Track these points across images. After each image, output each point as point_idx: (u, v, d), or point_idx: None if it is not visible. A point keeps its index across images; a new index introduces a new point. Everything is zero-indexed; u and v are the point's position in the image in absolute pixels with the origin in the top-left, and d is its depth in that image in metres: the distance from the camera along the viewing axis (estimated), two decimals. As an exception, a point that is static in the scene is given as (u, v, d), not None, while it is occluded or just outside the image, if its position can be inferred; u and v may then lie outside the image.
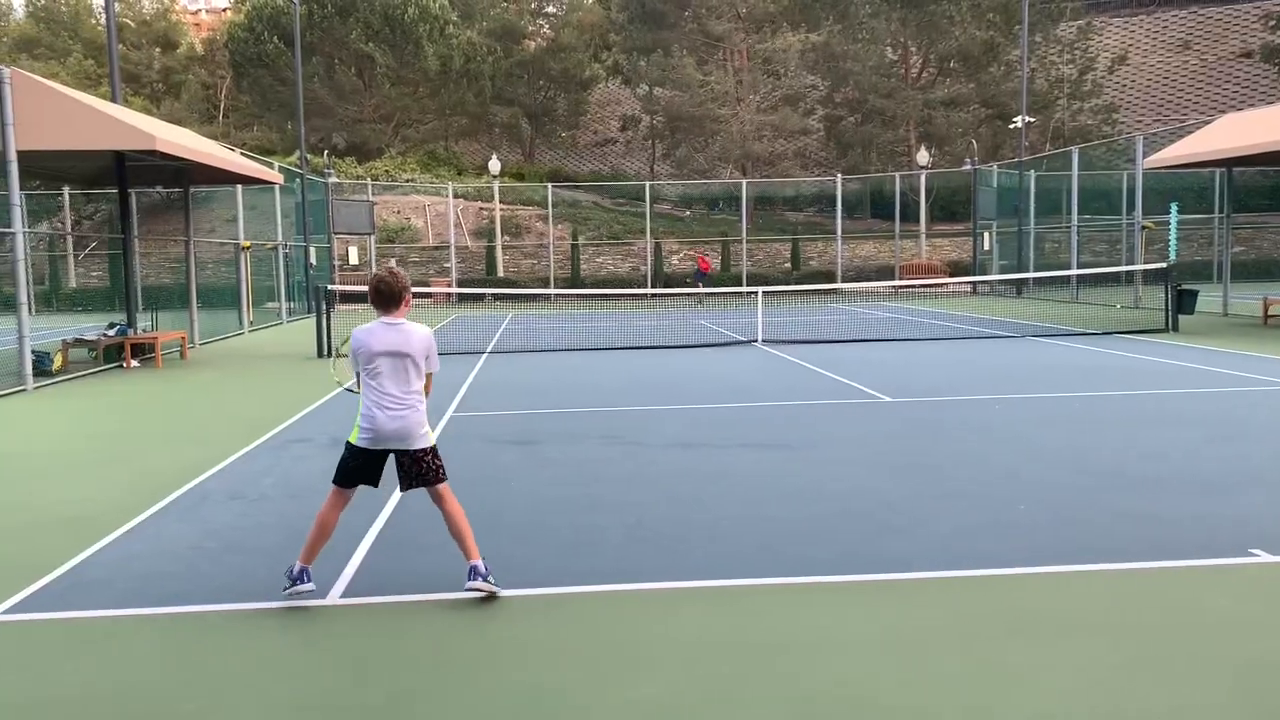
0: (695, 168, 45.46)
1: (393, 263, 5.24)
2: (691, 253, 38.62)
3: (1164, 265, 19.32)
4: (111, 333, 15.78)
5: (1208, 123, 21.99)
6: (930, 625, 4.33)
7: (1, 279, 33.41)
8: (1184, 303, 17.54)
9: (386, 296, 4.68)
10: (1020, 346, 16.06)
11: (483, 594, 4.63)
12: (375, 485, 4.80)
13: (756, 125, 44.34)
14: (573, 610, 4.61)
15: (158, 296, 30.30)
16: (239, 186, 21.94)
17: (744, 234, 38.39)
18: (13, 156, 12.15)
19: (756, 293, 18.41)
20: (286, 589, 4.64)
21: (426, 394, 4.81)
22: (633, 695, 3.70)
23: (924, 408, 10.19)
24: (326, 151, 40.74)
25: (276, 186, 24.93)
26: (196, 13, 76.99)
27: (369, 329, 4.71)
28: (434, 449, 4.76)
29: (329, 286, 23.88)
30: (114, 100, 16.91)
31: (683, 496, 6.66)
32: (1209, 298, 21.80)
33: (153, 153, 13.62)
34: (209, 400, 12.14)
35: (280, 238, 25.08)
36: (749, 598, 4.73)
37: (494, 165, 38.34)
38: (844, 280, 35.70)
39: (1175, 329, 17.33)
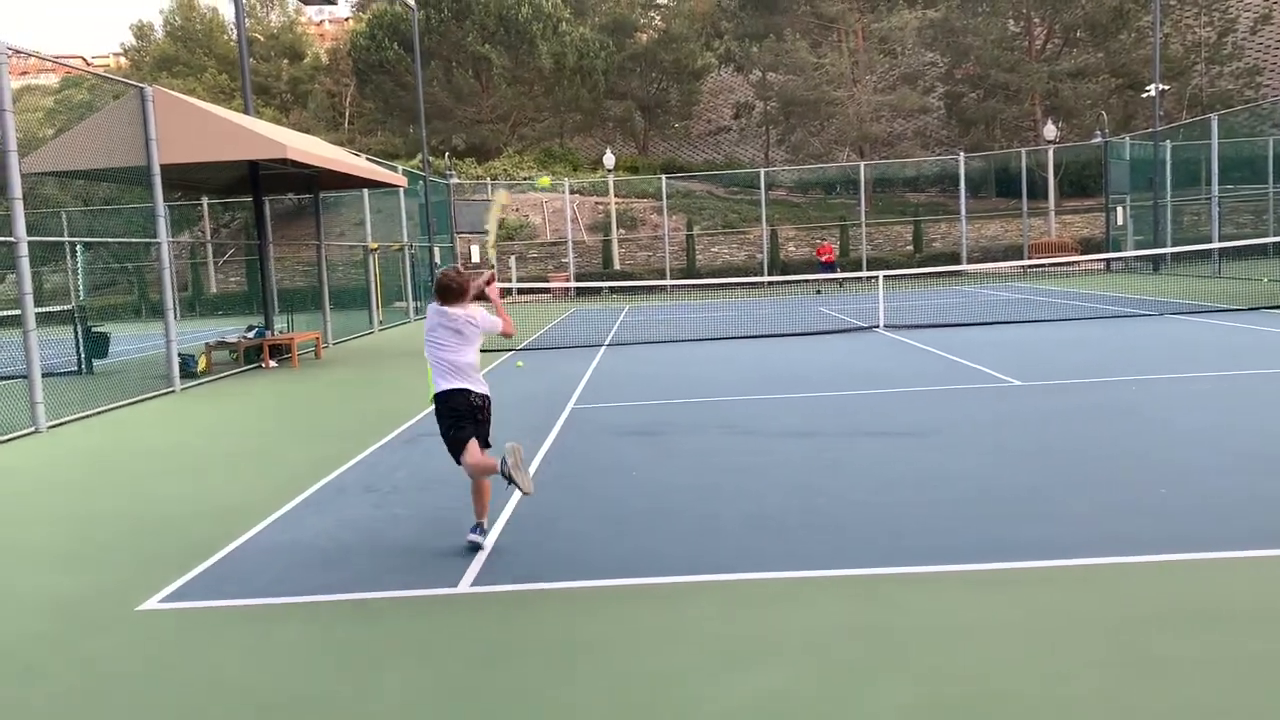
0: (811, 152, 44.85)
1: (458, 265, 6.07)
2: (812, 239, 38.17)
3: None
4: (250, 335, 16.53)
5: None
6: (1071, 613, 4.19)
7: (149, 286, 35.42)
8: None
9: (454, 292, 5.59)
10: (1158, 324, 15.35)
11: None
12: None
13: (874, 106, 43.45)
14: (699, 598, 4.63)
15: (293, 299, 31.56)
16: (365, 191, 22.64)
17: (863, 218, 37.72)
18: (156, 170, 12.84)
19: (877, 277, 18.06)
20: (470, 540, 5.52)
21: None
22: (758, 685, 3.69)
23: (1055, 391, 9.85)
24: (447, 154, 41.71)
25: (401, 189, 25.71)
26: (320, 23, 79.74)
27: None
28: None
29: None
30: (246, 112, 17.66)
31: (804, 485, 6.61)
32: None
33: (284, 161, 14.22)
34: (343, 397, 12.61)
35: (406, 238, 25.80)
36: (879, 586, 4.66)
37: (608, 159, 38.63)
38: (969, 261, 34.71)
39: (1331, 301, 16.31)
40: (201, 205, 37.08)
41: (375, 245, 22.81)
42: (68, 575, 5.52)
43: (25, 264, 10.30)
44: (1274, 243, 22.93)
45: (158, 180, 12.87)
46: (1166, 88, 35.55)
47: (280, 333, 17.21)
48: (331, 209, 32.59)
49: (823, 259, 31.33)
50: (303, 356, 17.00)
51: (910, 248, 38.11)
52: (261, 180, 17.27)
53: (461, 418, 5.43)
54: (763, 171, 38.72)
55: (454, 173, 33.11)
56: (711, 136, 68.09)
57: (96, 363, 16.20)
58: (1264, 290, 19.56)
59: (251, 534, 6.08)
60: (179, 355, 15.03)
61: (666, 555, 5.26)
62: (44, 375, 10.33)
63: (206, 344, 15.93)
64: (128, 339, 19.08)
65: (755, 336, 16.72)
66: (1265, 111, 33.14)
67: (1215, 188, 26.32)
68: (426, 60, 49.04)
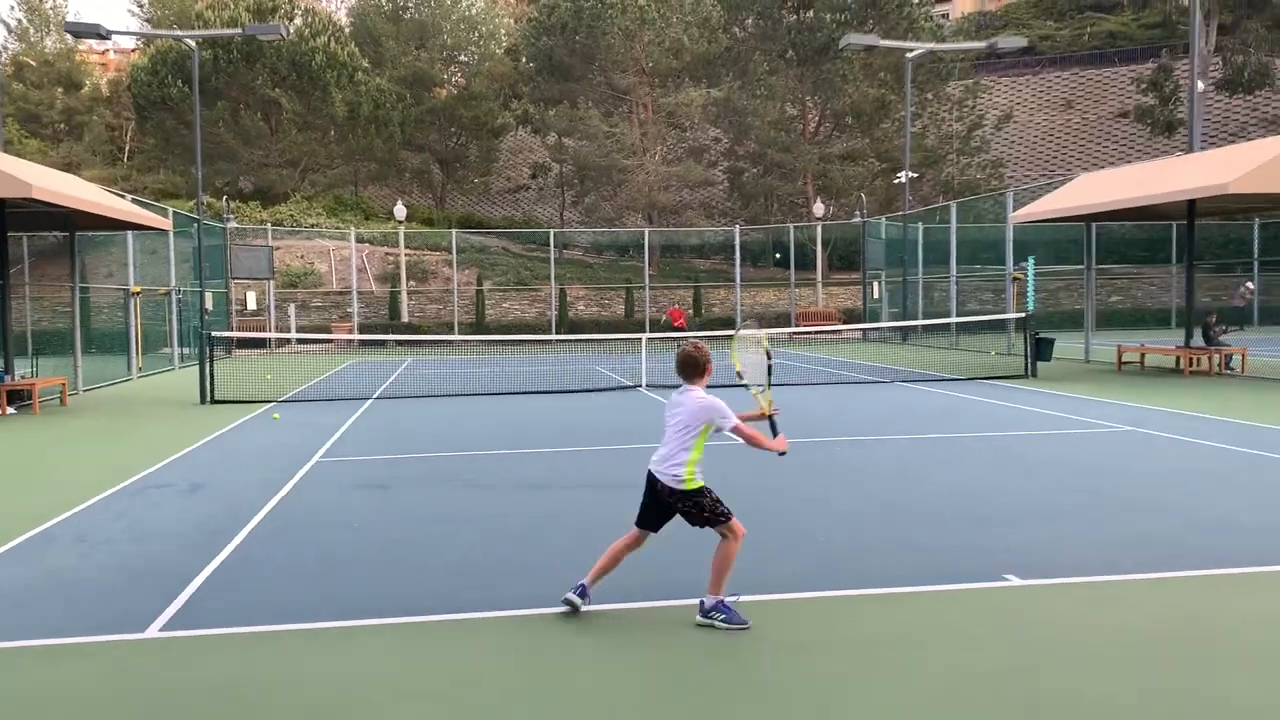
0: (603, 215, 46.29)
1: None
2: (602, 299, 39.23)
3: (1022, 315, 20.48)
4: (-12, 379, 15.63)
5: (1082, 178, 23.44)
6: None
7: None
8: (1041, 350, 18.64)
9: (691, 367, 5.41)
10: (886, 391, 16.90)
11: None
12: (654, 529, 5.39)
13: (662, 175, 45.44)
14: (372, 639, 4.99)
15: (49, 342, 29.76)
16: (129, 233, 21.84)
17: (646, 281, 39.20)
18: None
19: (640, 339, 19.01)
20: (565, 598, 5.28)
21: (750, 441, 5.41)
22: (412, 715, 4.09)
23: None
24: (225, 197, 40.43)
25: (170, 233, 24.90)
26: (104, 53, 75.82)
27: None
28: (692, 493, 5.20)
29: (222, 333, 23.90)
30: (-5, 146, 16.83)
31: (514, 532, 7.11)
32: (1075, 345, 23.14)
33: (32, 200, 13.71)
34: (77, 447, 12.19)
35: (174, 283, 24.93)
36: (540, 624, 5.17)
37: (399, 211, 38.57)
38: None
39: (1034, 374, 18.40)
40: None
41: (138, 289, 21.96)
42: None
43: None
44: (994, 320, 25.46)
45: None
46: (916, 175, 39.00)
47: (23, 377, 16.35)
48: (100, 248, 31.03)
49: (676, 323, 32.34)
50: (47, 403, 16.21)
51: (692, 311, 39.87)
52: (11, 217, 16.49)
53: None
54: (552, 232, 39.71)
55: (232, 216, 32.17)
56: (511, 194, 68.96)
57: None
58: (987, 362, 21.79)
59: (-60, 584, 5.99)
60: (-100, 399, 14.16)
61: (348, 600, 5.61)
62: None
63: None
64: None
65: (524, 393, 17.23)
66: (1002, 199, 36.88)
67: (954, 267, 29.08)
68: (213, 100, 47.63)
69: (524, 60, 51.21)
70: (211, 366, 16.41)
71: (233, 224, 31.56)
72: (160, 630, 5.14)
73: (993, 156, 48.54)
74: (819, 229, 39.20)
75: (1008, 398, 15.42)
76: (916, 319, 31.01)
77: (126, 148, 66.48)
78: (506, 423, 13.45)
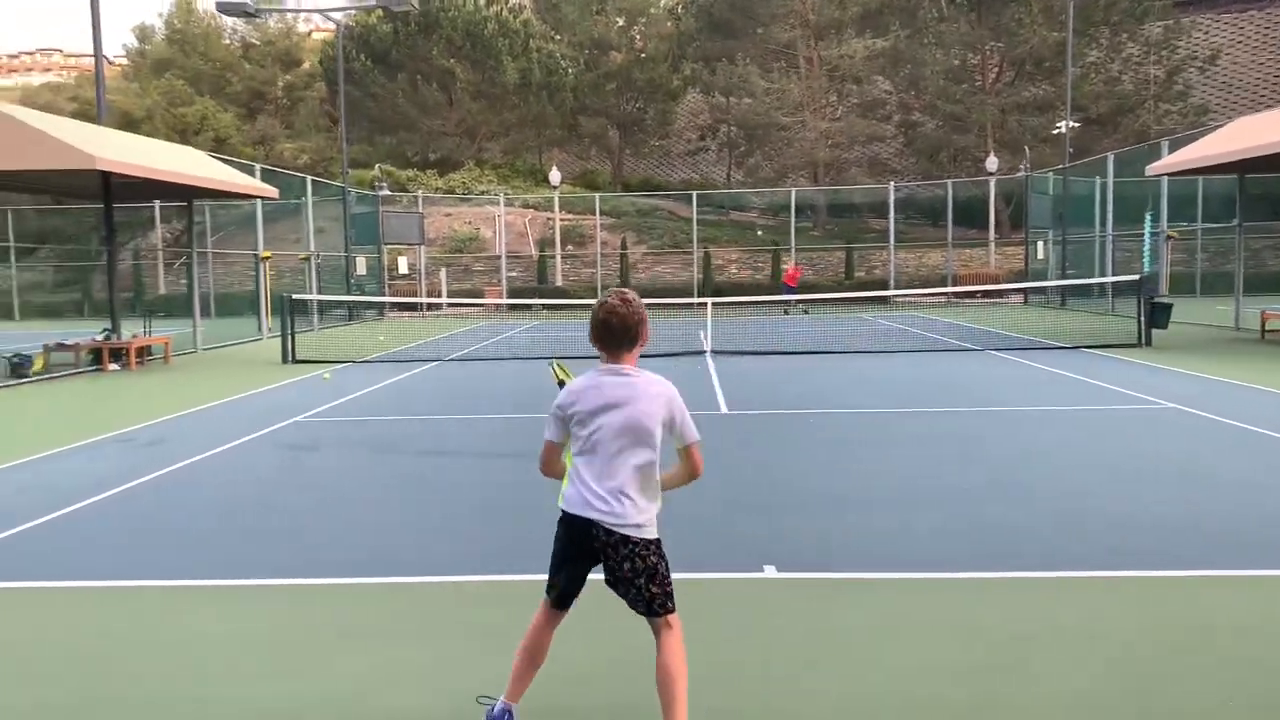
0: (763, 176, 45.38)
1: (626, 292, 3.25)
2: (755, 262, 38.56)
3: (1137, 278, 18.48)
4: (101, 337, 17.12)
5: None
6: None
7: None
8: (1157, 317, 16.75)
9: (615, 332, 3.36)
10: (959, 361, 15.70)
11: None
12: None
13: (826, 132, 43.97)
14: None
15: (225, 302, 32.31)
16: (309, 200, 23.36)
17: (794, 243, 38.13)
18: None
19: (706, 303, 18.51)
20: None
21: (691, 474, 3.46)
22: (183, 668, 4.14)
23: (749, 420, 10.30)
24: (379, 166, 42.37)
25: (310, 199, 26.50)
26: (308, 34, 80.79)
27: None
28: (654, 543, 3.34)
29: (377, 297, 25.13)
30: (99, 121, 18.26)
31: (422, 501, 7.09)
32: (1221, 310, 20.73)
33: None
34: (110, 401, 13.06)
35: (312, 248, 26.41)
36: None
37: (554, 176, 39.22)
38: (899, 288, 35.04)
39: (1148, 343, 16.60)
40: (153, 209, 37.72)
41: (267, 254, 23.38)
42: None
43: None
44: (1110, 282, 23.00)
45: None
46: (1077, 124, 35.86)
47: (134, 337, 17.78)
48: (291, 215, 33.01)
49: (788, 280, 31.62)
50: (154, 361, 17.56)
51: (858, 273, 38.37)
52: (139, 189, 17.98)
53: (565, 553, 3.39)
54: (694, 194, 39.17)
55: (384, 184, 33.71)
56: (689, 157, 68.64)
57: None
58: (1105, 328, 19.82)
59: None
60: (19, 354, 15.72)
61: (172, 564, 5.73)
62: None
63: (45, 345, 16.52)
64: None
65: (587, 357, 17.11)
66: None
67: (1110, 226, 26.60)
68: (394, 72, 49.95)
69: (686, 19, 50.67)
70: (293, 327, 17.29)
71: (385, 191, 33.02)
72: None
73: (1196, 102, 43.92)
74: (991, 185, 36.83)
75: (1075, 367, 13.98)
76: (1075, 280, 28.60)
77: (339, 119, 70.91)
78: (522, 384, 13.47)
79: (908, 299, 34.07)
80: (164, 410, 11.44)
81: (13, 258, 37.33)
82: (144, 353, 17.32)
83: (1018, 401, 11.19)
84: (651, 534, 3.29)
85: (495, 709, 3.38)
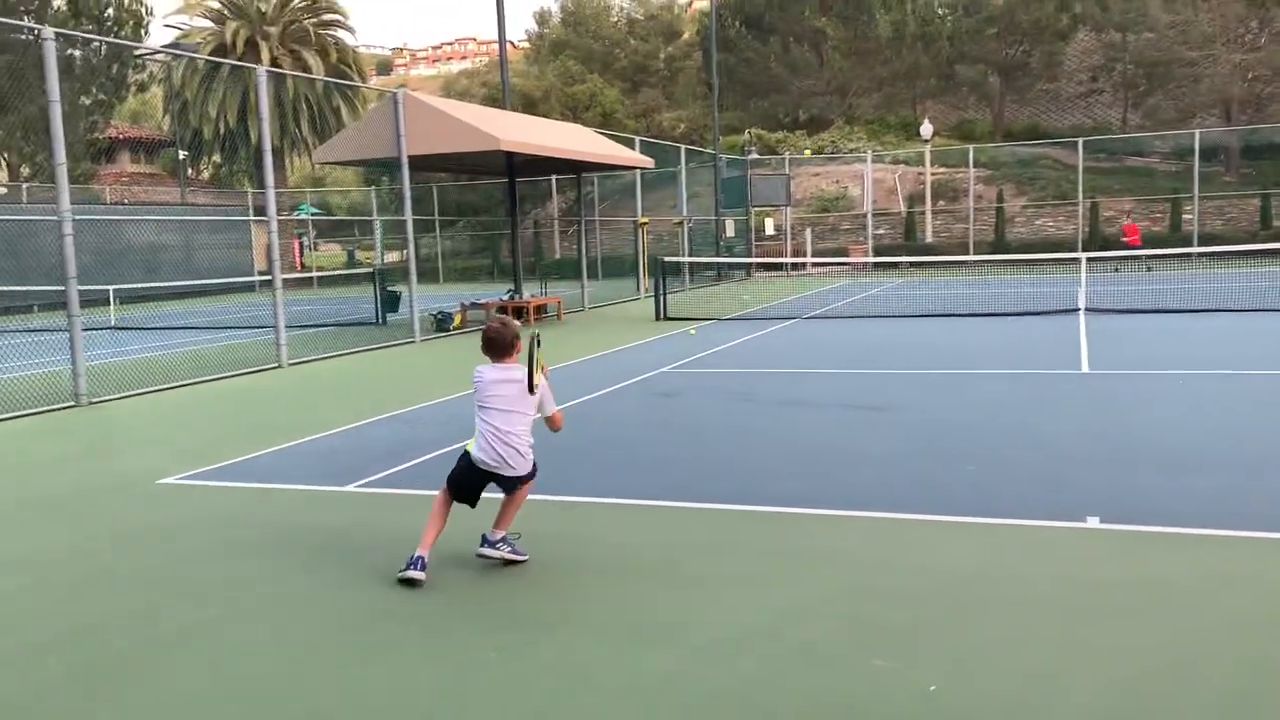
0: (1164, 118, 41.21)
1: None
2: (1151, 213, 35.33)
3: None
4: (505, 298, 19.49)
5: None
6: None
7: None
8: None
9: (498, 346, 4.96)
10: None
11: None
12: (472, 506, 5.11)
13: (1242, 65, 39.06)
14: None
15: (607, 265, 35.04)
16: (638, 170, 25.00)
17: (1196, 191, 34.33)
18: (404, 160, 15.87)
19: (1081, 259, 17.43)
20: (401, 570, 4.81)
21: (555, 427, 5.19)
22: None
23: (1116, 380, 9.92)
24: (750, 130, 43.13)
25: (683, 168, 28.00)
26: (690, 4, 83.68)
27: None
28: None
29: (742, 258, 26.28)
30: (504, 106, 20.53)
31: (710, 441, 7.83)
32: None
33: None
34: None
35: (685, 212, 27.94)
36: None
37: (925, 129, 38.24)
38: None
39: None
40: (550, 182, 41.47)
41: (645, 220, 25.11)
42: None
43: (275, 238, 13.58)
44: None
45: (405, 167, 15.91)
46: None
47: (532, 297, 20.02)
48: (668, 184, 35.06)
49: (1127, 239, 29.24)
50: (550, 318, 19.71)
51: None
52: (525, 165, 20.18)
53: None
54: (1080, 141, 36.37)
55: (753, 148, 34.67)
56: (1081, 99, 63.49)
57: (390, 317, 19.88)
58: None
59: (293, 443, 8.42)
60: (442, 312, 18.34)
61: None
62: (349, 325, 13.95)
63: (461, 304, 19.07)
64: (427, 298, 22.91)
65: (953, 315, 16.92)
66: None
67: None
68: (766, 36, 50.89)
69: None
70: (665, 288, 18.63)
71: (753, 155, 33.99)
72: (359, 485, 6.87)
73: None
74: None
75: None
76: None
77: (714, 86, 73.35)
78: (888, 343, 13.66)
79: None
80: (553, 361, 12.95)
81: (437, 229, 42.74)
82: (541, 311, 19.50)
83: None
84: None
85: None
